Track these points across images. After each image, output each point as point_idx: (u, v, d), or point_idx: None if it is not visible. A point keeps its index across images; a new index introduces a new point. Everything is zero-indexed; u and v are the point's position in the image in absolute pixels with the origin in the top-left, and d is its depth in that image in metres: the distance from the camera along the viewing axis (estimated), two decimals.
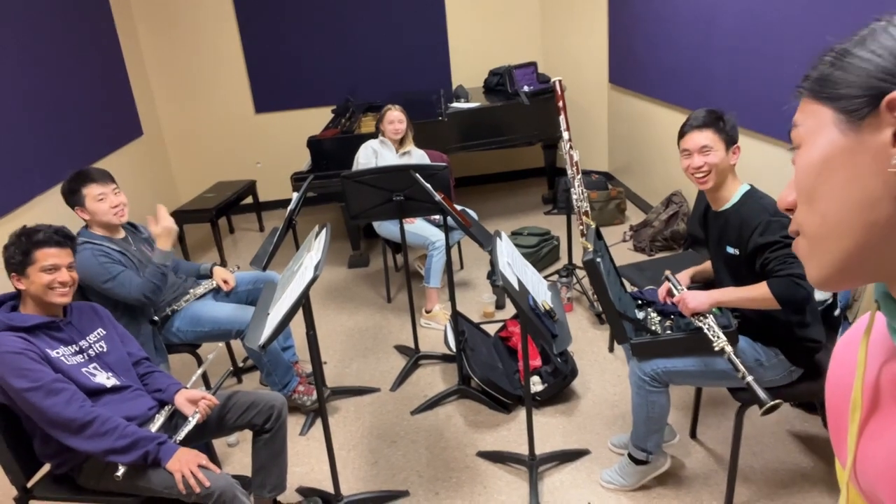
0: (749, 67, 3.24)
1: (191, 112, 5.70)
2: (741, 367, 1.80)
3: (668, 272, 2.22)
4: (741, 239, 1.94)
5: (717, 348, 1.87)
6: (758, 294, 1.88)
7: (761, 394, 1.73)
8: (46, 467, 2.02)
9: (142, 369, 2.17)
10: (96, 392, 1.94)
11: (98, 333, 2.06)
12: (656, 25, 4.32)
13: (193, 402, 2.05)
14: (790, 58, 2.87)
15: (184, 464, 1.85)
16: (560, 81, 3.59)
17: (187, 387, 2.12)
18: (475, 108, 4.83)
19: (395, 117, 3.72)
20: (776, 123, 3.04)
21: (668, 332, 2.13)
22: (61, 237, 1.96)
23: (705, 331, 1.94)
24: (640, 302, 2.31)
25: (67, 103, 4.02)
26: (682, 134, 2.04)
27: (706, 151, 1.97)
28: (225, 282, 2.93)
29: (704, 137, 1.98)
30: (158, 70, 5.54)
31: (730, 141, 1.97)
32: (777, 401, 1.72)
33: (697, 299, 1.99)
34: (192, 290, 2.83)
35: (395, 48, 5.68)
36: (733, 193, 2.01)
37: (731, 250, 2.00)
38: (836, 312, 2.15)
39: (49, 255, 1.91)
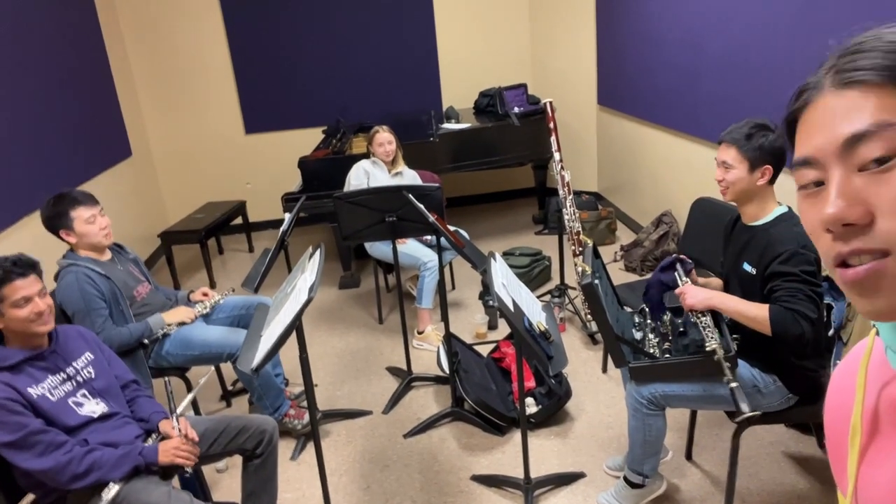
0: (737, 89, 3.28)
1: (180, 133, 5.68)
2: (728, 372, 1.79)
3: (678, 262, 2.22)
4: (762, 260, 1.91)
5: (708, 348, 1.87)
6: (756, 313, 1.85)
7: (742, 403, 1.73)
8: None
9: (129, 393, 2.12)
10: (83, 425, 1.89)
11: (85, 358, 2.01)
12: (644, 48, 4.38)
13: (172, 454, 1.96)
14: (779, 80, 2.91)
15: (172, 450, 1.92)
16: (550, 103, 3.62)
17: (177, 412, 2.07)
18: (466, 128, 4.85)
19: (385, 139, 3.72)
20: None
21: (667, 355, 2.12)
22: (23, 267, 1.85)
23: (700, 329, 1.94)
24: (637, 321, 2.30)
25: (55, 123, 3.99)
26: (719, 142, 2.03)
27: (726, 167, 1.96)
28: (204, 294, 2.91)
29: (726, 153, 1.96)
30: (148, 90, 5.53)
31: (758, 161, 1.91)
32: (756, 412, 1.78)
33: (696, 297, 1.98)
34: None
35: (386, 69, 5.71)
36: (767, 212, 1.97)
37: (747, 267, 1.97)
38: (830, 333, 2.15)
39: (17, 289, 1.81)
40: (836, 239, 0.53)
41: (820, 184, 0.55)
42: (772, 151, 1.91)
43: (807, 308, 1.78)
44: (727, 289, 2.14)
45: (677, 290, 2.07)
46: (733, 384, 1.77)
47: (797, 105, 0.57)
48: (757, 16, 3.04)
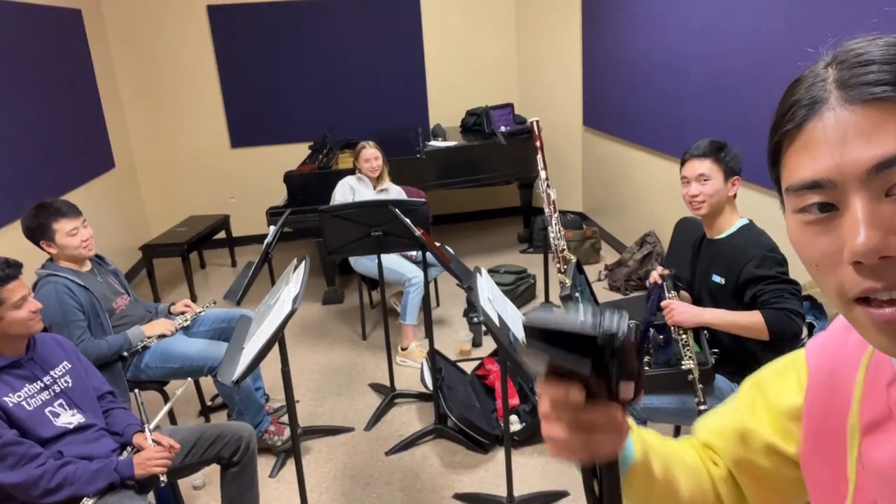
0: (720, 113, 3.33)
1: (165, 145, 5.64)
2: (700, 392, 1.82)
3: (666, 272, 2.20)
4: (731, 269, 1.94)
5: (684, 367, 1.89)
6: (749, 321, 1.85)
7: None
8: None
9: (104, 404, 2.07)
10: (58, 436, 1.85)
11: (63, 367, 1.97)
12: (629, 71, 4.44)
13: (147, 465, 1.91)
14: (762, 103, 2.96)
15: (147, 461, 1.87)
16: (537, 121, 3.65)
17: (150, 427, 2.02)
18: (453, 146, 4.88)
19: (371, 155, 3.73)
20: (748, 168, 3.10)
21: (647, 368, 2.12)
22: (14, 268, 1.86)
23: (680, 346, 1.95)
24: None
25: (39, 133, 3.95)
26: (682, 162, 2.06)
27: (703, 180, 1.99)
28: (187, 306, 2.88)
29: (703, 166, 1.99)
30: (133, 101, 5.49)
31: (729, 172, 1.99)
32: None
33: (685, 314, 1.98)
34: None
35: (374, 86, 5.74)
36: (731, 224, 2.02)
37: (717, 279, 2.00)
38: None
39: (15, 290, 1.83)
40: (863, 273, 0.47)
41: (826, 208, 0.50)
42: (738, 164, 2.01)
43: (796, 305, 1.82)
44: (696, 303, 2.16)
45: (663, 303, 2.07)
46: (702, 407, 1.79)
47: (794, 123, 0.52)
48: (741, 40, 3.10)
